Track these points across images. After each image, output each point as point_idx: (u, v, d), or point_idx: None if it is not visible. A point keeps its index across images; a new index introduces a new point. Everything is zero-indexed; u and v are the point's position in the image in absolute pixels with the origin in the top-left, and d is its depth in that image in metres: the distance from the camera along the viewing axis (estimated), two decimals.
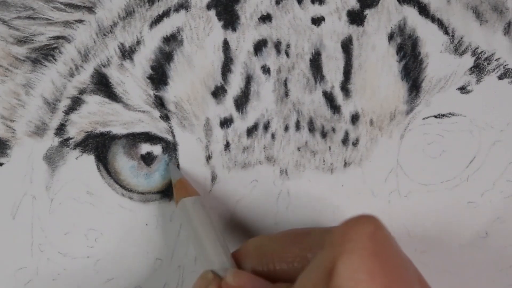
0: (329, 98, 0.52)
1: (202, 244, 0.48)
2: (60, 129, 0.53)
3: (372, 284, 0.37)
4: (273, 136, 0.53)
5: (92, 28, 0.53)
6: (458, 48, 0.53)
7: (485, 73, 0.54)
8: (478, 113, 0.54)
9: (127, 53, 0.53)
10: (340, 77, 0.52)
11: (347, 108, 0.52)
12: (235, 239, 0.53)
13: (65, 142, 0.53)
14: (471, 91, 0.54)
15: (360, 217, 0.40)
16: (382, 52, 0.53)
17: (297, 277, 0.41)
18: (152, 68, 0.52)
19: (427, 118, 0.53)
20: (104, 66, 0.53)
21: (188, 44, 0.52)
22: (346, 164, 0.53)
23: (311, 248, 0.44)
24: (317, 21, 0.53)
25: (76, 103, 0.53)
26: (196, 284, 0.47)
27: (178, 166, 0.53)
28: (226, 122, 0.52)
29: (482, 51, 0.54)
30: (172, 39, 0.52)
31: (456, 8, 0.54)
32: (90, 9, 0.53)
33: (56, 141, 0.53)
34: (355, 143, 0.53)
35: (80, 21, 0.53)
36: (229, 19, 0.53)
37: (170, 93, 0.52)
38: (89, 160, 0.53)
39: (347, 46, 0.53)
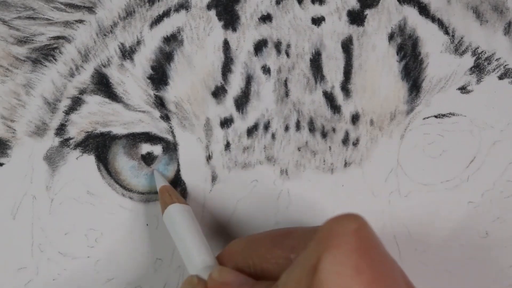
0: (329, 98, 0.52)
1: (187, 249, 0.48)
2: (61, 129, 0.53)
3: (357, 278, 0.37)
4: (273, 136, 0.53)
5: (92, 28, 0.53)
6: (458, 48, 0.53)
7: (485, 73, 0.54)
8: (478, 113, 0.54)
9: (127, 53, 0.53)
10: (340, 77, 0.52)
11: (347, 108, 0.53)
12: (235, 239, 0.53)
13: (65, 142, 0.53)
14: (471, 91, 0.54)
15: (345, 215, 0.40)
16: (382, 52, 0.53)
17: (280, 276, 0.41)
18: (152, 68, 0.52)
19: (427, 118, 0.54)
20: (104, 66, 0.53)
21: (188, 44, 0.52)
22: (346, 164, 0.53)
23: (293, 249, 0.44)
24: (317, 21, 0.53)
25: (76, 103, 0.53)
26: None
27: (178, 166, 0.53)
28: (226, 122, 0.52)
29: (482, 51, 0.54)
30: (172, 39, 0.52)
31: (456, 8, 0.54)
32: (90, 9, 0.53)
33: (56, 141, 0.53)
34: (355, 143, 0.53)
35: (80, 21, 0.53)
36: (229, 19, 0.53)
37: (170, 93, 0.52)
38: (90, 160, 0.53)
39: (347, 46, 0.53)
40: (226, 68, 0.52)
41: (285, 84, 0.53)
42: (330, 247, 0.38)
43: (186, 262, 0.49)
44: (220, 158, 0.53)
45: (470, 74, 0.54)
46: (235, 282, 0.45)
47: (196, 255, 0.48)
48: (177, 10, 0.53)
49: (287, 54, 0.53)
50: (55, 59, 0.53)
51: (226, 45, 0.52)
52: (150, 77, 0.52)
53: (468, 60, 0.54)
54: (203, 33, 0.52)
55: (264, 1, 0.53)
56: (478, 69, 0.54)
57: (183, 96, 0.52)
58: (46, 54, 0.53)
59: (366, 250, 0.38)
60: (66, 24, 0.53)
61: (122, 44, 0.53)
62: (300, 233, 0.46)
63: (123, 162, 0.53)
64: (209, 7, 0.53)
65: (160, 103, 0.52)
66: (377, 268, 0.38)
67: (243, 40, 0.53)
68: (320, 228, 0.40)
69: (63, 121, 0.53)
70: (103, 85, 0.53)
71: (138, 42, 0.52)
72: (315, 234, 0.40)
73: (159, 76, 0.52)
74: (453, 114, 0.54)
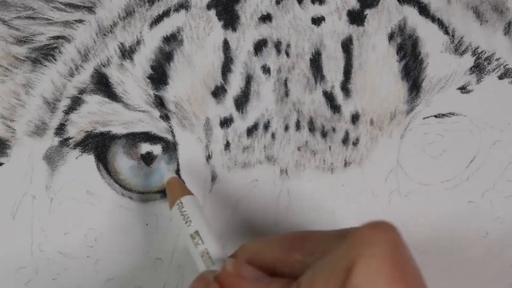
0: (329, 98, 0.52)
1: (192, 254, 0.48)
2: (60, 129, 0.53)
3: None
4: (273, 135, 0.53)
5: (92, 28, 0.53)
6: (458, 48, 0.53)
7: (485, 73, 0.54)
8: (478, 113, 0.54)
9: (127, 53, 0.53)
10: (340, 77, 0.52)
11: (347, 108, 0.52)
12: (235, 239, 0.53)
13: (65, 142, 0.53)
14: (471, 91, 0.54)
15: (381, 223, 0.40)
16: (382, 52, 0.53)
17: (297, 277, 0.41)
18: (152, 68, 0.52)
19: (427, 118, 0.53)
20: (104, 66, 0.53)
21: (188, 44, 0.52)
22: (346, 164, 0.53)
23: (313, 253, 0.44)
24: (317, 21, 0.53)
25: (76, 103, 0.53)
26: (193, 285, 0.45)
27: (178, 166, 0.53)
28: (226, 122, 0.52)
29: (482, 51, 0.54)
30: (172, 39, 0.52)
31: (456, 8, 0.54)
32: (90, 9, 0.53)
33: (56, 140, 0.53)
34: (355, 143, 0.53)
35: (80, 21, 0.53)
36: (229, 19, 0.53)
37: (170, 93, 0.52)
38: (89, 159, 0.53)
39: (347, 46, 0.53)
40: (226, 68, 0.52)
41: (285, 84, 0.53)
42: (366, 254, 0.38)
43: (195, 262, 0.48)
44: (220, 158, 0.53)
45: (470, 74, 0.54)
46: (249, 275, 0.44)
47: (211, 249, 0.47)
48: (177, 10, 0.53)
49: (287, 54, 0.53)
50: (55, 59, 0.53)
51: (226, 45, 0.52)
52: (150, 77, 0.52)
53: (468, 60, 0.54)
54: (203, 33, 0.52)
55: (264, 1, 0.53)
56: (478, 69, 0.54)
57: (183, 96, 0.52)
58: (45, 54, 0.53)
59: (400, 262, 0.39)
60: (66, 24, 0.53)
61: (122, 43, 0.53)
62: (319, 238, 0.45)
63: (122, 161, 0.53)
64: (209, 7, 0.53)
65: (160, 102, 0.52)
66: (410, 280, 0.38)
67: (243, 40, 0.53)
68: (352, 232, 0.40)
69: (62, 121, 0.53)
70: (102, 85, 0.53)
71: (138, 42, 0.52)
72: (347, 238, 0.40)
73: (159, 76, 0.52)
74: (453, 114, 0.54)
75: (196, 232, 0.48)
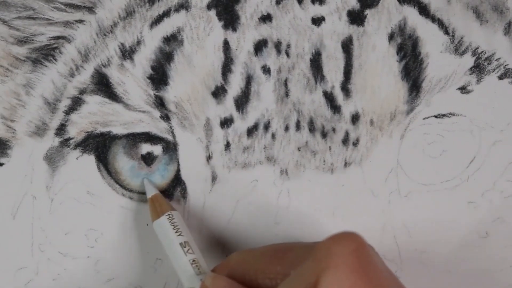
0: (329, 98, 0.52)
1: (178, 262, 0.49)
2: (61, 129, 0.53)
3: None
4: (273, 136, 0.53)
5: (93, 28, 0.53)
6: (458, 48, 0.53)
7: (485, 73, 0.54)
8: (478, 113, 0.54)
9: (127, 53, 0.53)
10: (340, 77, 0.52)
11: (347, 108, 0.53)
12: (235, 239, 0.53)
13: (65, 142, 0.53)
14: (472, 91, 0.54)
15: (344, 234, 0.40)
16: (382, 52, 0.53)
17: None
18: (153, 68, 0.52)
19: (427, 118, 0.54)
20: (104, 66, 0.53)
21: (189, 44, 0.52)
22: (346, 164, 0.53)
23: (294, 265, 0.44)
24: (317, 21, 0.53)
25: (76, 103, 0.53)
26: None
27: (178, 166, 0.53)
28: (226, 122, 0.52)
29: (482, 51, 0.54)
30: (173, 39, 0.52)
31: (457, 8, 0.54)
32: (90, 9, 0.53)
33: (56, 141, 0.53)
34: (355, 143, 0.53)
35: (81, 21, 0.53)
36: (230, 19, 0.53)
37: (171, 93, 0.52)
38: (90, 160, 0.53)
39: (347, 46, 0.53)
40: (226, 68, 0.52)
41: (285, 84, 0.53)
42: (330, 267, 0.39)
43: (179, 272, 0.49)
44: (220, 158, 0.53)
45: (470, 74, 0.54)
46: None
47: (188, 268, 0.48)
48: (177, 10, 0.53)
49: (287, 54, 0.53)
50: (55, 59, 0.53)
51: (226, 45, 0.52)
52: (150, 77, 0.52)
53: (468, 60, 0.54)
54: (203, 33, 0.52)
55: (264, 1, 0.53)
56: (478, 69, 0.54)
57: (183, 96, 0.52)
58: (46, 54, 0.53)
59: (364, 270, 0.39)
60: (66, 24, 0.53)
61: (122, 44, 0.53)
62: (300, 250, 0.46)
63: (123, 162, 0.53)
64: (209, 7, 0.53)
65: (160, 103, 0.52)
66: (375, 287, 0.38)
67: (243, 40, 0.53)
68: (318, 245, 0.40)
69: (63, 121, 0.53)
70: (103, 85, 0.53)
71: (138, 42, 0.52)
72: (313, 251, 0.40)
73: (159, 76, 0.52)
74: (453, 114, 0.54)
75: (187, 242, 0.49)
